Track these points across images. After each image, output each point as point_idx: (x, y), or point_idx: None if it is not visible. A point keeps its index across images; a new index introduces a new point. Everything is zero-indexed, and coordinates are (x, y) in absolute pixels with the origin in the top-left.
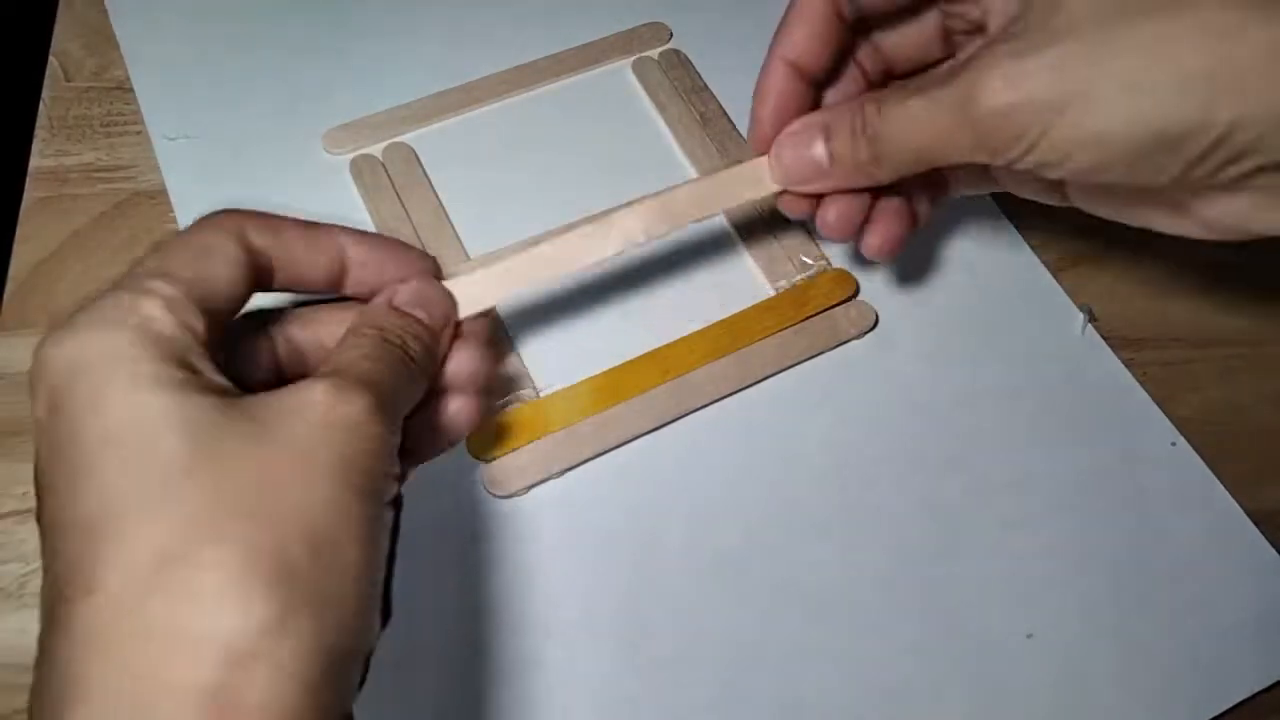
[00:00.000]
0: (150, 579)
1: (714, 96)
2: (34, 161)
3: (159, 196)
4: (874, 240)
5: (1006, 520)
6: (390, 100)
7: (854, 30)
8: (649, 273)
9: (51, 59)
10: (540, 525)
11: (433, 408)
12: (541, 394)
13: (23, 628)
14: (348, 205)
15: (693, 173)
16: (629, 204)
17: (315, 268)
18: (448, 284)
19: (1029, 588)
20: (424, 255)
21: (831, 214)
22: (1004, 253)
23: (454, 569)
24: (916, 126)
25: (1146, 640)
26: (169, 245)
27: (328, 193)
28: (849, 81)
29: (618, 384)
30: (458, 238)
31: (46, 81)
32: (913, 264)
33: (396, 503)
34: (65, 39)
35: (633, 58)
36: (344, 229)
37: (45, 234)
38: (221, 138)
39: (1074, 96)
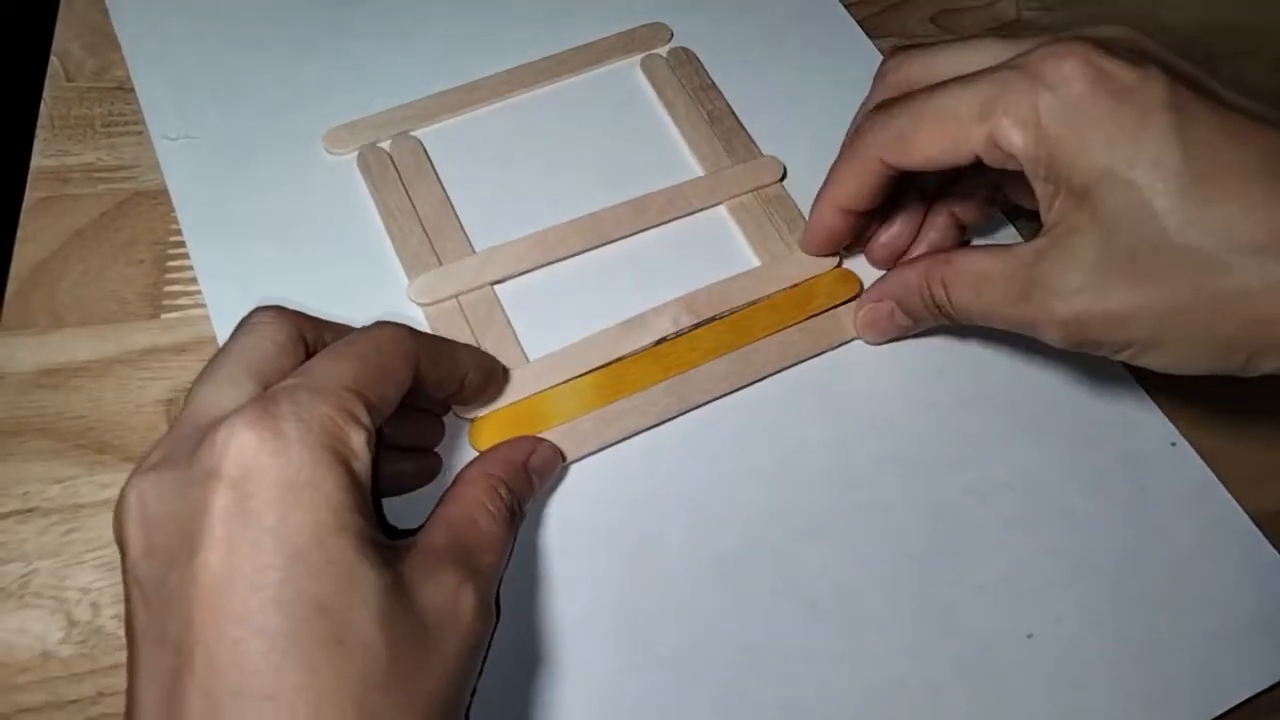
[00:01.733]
0: None
1: (722, 95)
2: (35, 161)
3: (160, 196)
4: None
5: (1006, 520)
6: (391, 100)
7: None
8: (638, 248)
9: (52, 59)
10: (540, 522)
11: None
12: (531, 360)
13: (23, 627)
14: (349, 205)
15: (698, 169)
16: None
17: (446, 389)
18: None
19: (1029, 588)
20: (504, 369)
21: (879, 253)
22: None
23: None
24: (990, 311)
25: (1146, 640)
26: (363, 354)
27: (329, 193)
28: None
29: (619, 380)
30: (463, 231)
31: (47, 81)
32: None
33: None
34: (66, 39)
35: (636, 57)
36: (469, 351)
37: (46, 234)
38: (222, 138)
39: (1140, 340)
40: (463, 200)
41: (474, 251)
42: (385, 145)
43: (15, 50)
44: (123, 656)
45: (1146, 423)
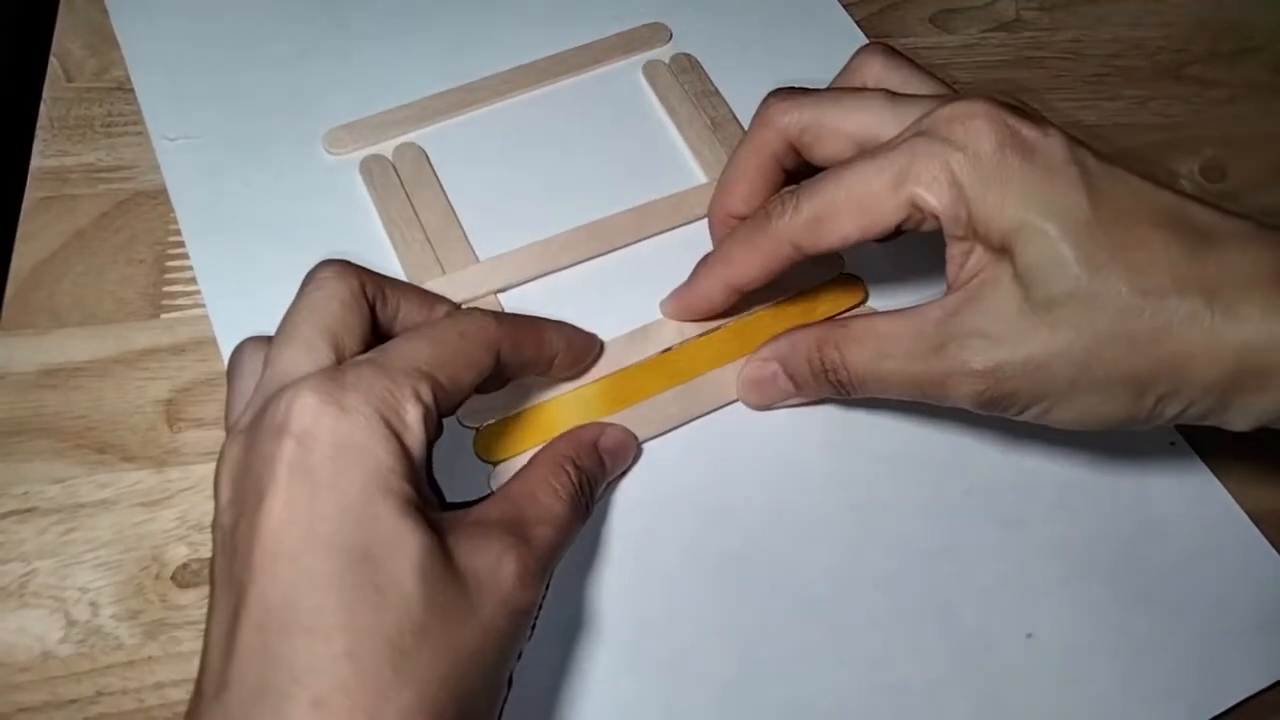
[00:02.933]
0: (370, 714)
1: (725, 101)
2: (35, 162)
3: (159, 197)
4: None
5: (1006, 520)
6: (391, 100)
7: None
8: (642, 257)
9: (52, 59)
10: None
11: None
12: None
13: (22, 627)
14: (348, 205)
15: (701, 176)
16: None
17: (532, 370)
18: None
19: (1029, 588)
20: (599, 342)
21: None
22: None
23: None
24: (893, 374)
25: (1146, 640)
26: (442, 337)
27: (329, 193)
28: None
29: (624, 389)
30: (466, 240)
31: (47, 82)
32: (914, 265)
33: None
34: (66, 39)
35: (636, 57)
36: (560, 328)
37: (46, 234)
38: (222, 138)
39: (1055, 391)
40: (464, 205)
41: (477, 260)
42: (388, 153)
43: (15, 50)
44: (122, 657)
45: None
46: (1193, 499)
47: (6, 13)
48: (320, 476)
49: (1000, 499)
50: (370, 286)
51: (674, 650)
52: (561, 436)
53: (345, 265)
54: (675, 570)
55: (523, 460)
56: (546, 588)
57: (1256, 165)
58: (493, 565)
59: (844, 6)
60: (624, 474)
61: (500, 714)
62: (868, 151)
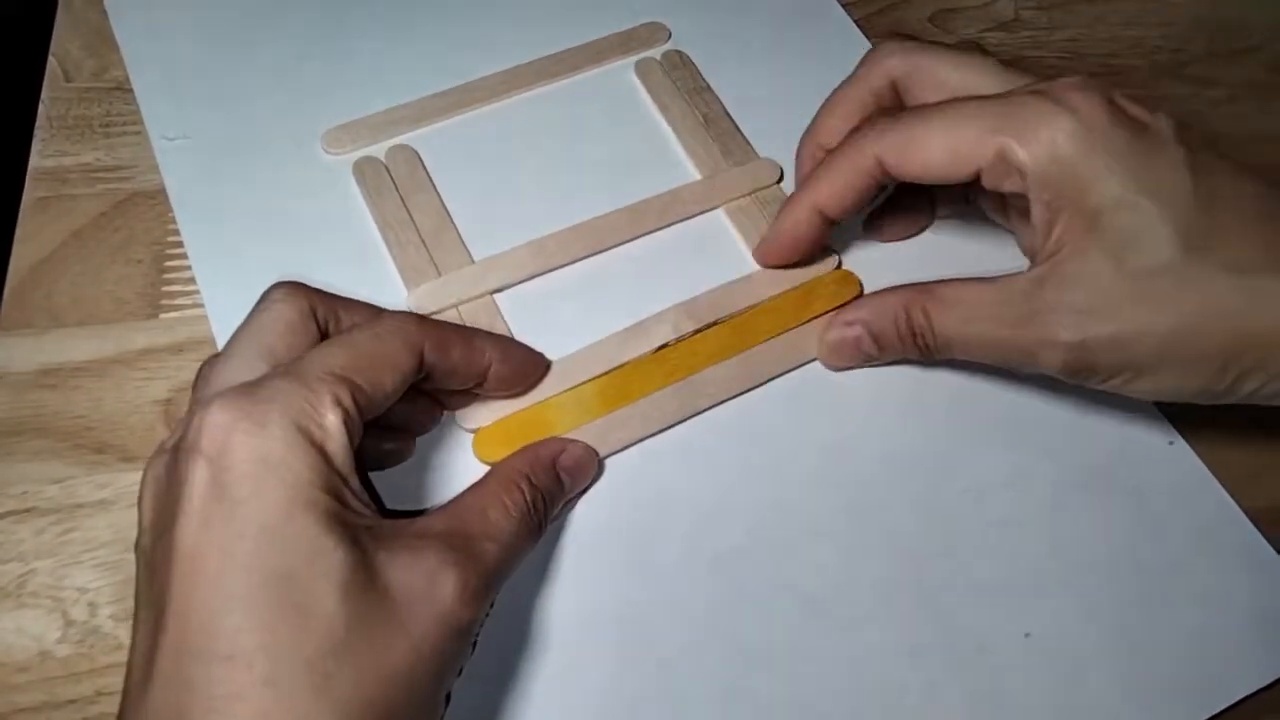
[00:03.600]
0: None
1: (717, 98)
2: (33, 162)
3: (158, 196)
4: (890, 233)
5: (1005, 520)
6: (390, 100)
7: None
8: (638, 253)
9: (51, 59)
10: None
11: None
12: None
13: (20, 627)
14: (347, 206)
15: (694, 173)
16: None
17: (465, 379)
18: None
19: (1028, 588)
20: (544, 360)
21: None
22: (1004, 253)
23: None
24: (980, 339)
25: (1146, 640)
26: (359, 341)
27: (327, 193)
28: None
29: (622, 387)
30: (461, 241)
31: (46, 82)
32: (912, 264)
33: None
34: (65, 39)
35: (633, 58)
36: (493, 339)
37: (45, 234)
38: (221, 138)
39: (1139, 363)
40: (458, 205)
41: (472, 261)
42: (380, 155)
43: (14, 50)
44: (120, 656)
45: (1144, 422)
46: (1192, 499)
47: (6, 13)
48: (236, 495)
49: (999, 499)
50: (322, 309)
51: (673, 650)
52: (520, 452)
53: (295, 287)
54: (674, 570)
55: None
56: (491, 606)
57: (1255, 165)
58: (429, 580)
59: (843, 6)
60: (623, 475)
61: None
62: (974, 96)
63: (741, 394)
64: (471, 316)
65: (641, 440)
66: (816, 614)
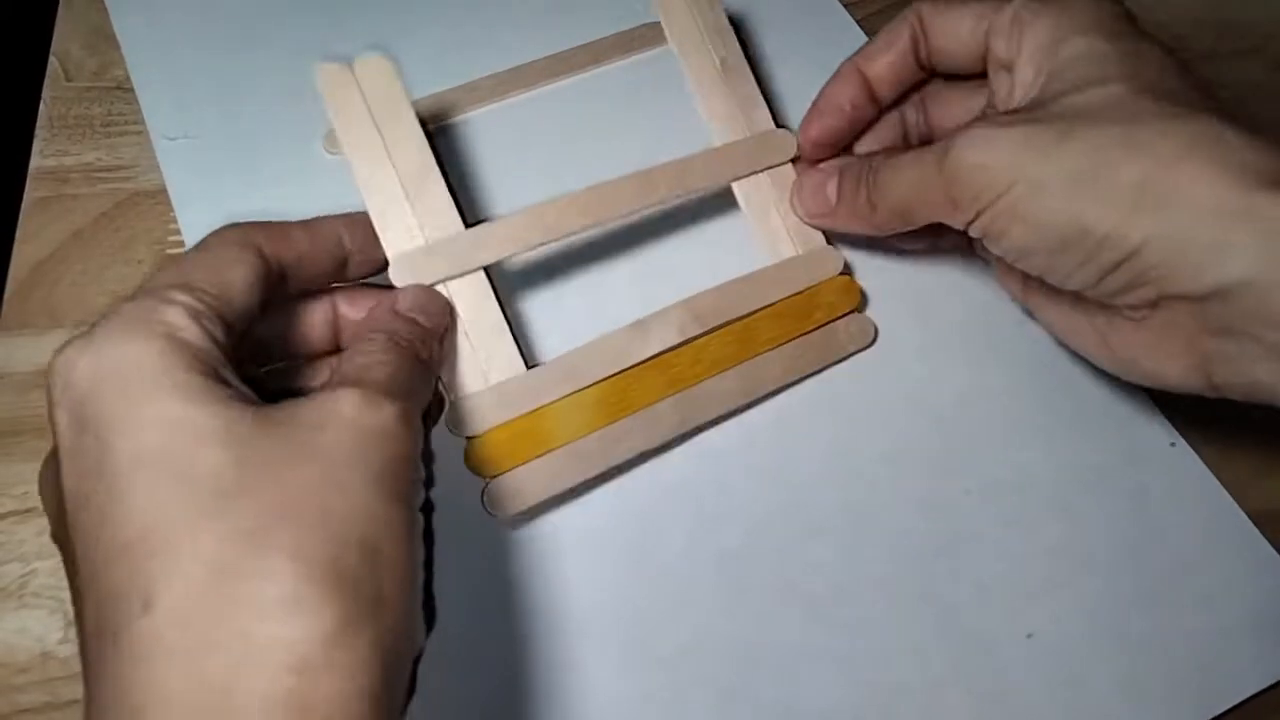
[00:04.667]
0: (210, 591)
1: (735, 41)
2: (34, 161)
3: (159, 196)
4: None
5: (1006, 520)
6: None
7: (911, 86)
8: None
9: (52, 59)
10: (541, 522)
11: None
12: (530, 369)
13: (22, 627)
14: (347, 205)
15: (709, 132)
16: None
17: (322, 264)
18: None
19: (1029, 588)
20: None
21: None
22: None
23: (454, 574)
24: (903, 179)
25: (1146, 640)
26: (185, 259)
27: (327, 193)
28: (885, 133)
29: (623, 395)
30: (450, 197)
31: (47, 81)
32: (913, 264)
33: (428, 507)
34: (65, 39)
35: (635, 56)
36: (337, 218)
37: (46, 234)
38: (222, 138)
39: (1026, 176)
40: (446, 151)
41: (462, 228)
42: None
43: (15, 50)
44: None
45: (1146, 423)
46: (1193, 499)
47: (6, 13)
48: (89, 414)
49: (1000, 499)
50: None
51: (673, 650)
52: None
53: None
54: (675, 570)
55: (521, 472)
56: (427, 440)
57: None
58: (322, 408)
59: (844, 6)
60: (623, 471)
61: (429, 548)
62: None
63: (742, 409)
64: (461, 296)
65: (642, 454)
66: (818, 614)
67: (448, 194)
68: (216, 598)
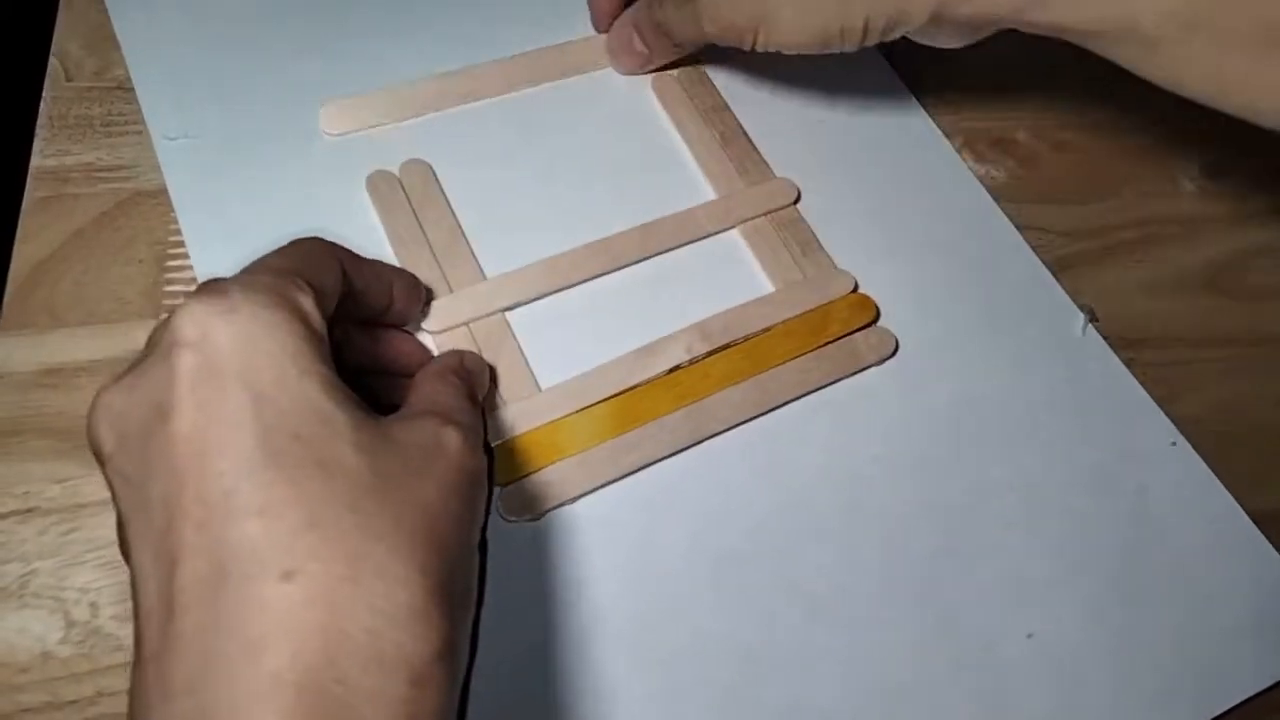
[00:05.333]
0: (349, 582)
1: (734, 116)
2: (35, 161)
3: (160, 196)
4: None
5: (1006, 520)
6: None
7: None
8: (650, 275)
9: (52, 59)
10: (541, 523)
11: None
12: (544, 389)
13: (23, 627)
14: (347, 204)
15: (710, 191)
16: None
17: (378, 299)
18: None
19: (1029, 588)
20: (423, 287)
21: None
22: (1004, 254)
23: None
24: (681, 24)
25: (1146, 640)
26: (293, 251)
27: (330, 192)
28: None
29: (633, 409)
30: (473, 257)
31: (47, 81)
32: (913, 265)
33: (483, 547)
34: (65, 39)
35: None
36: (391, 267)
37: (46, 234)
38: (222, 137)
39: (765, 17)
40: (471, 220)
41: (484, 277)
42: (395, 169)
43: (15, 50)
44: (122, 658)
45: (1146, 423)
46: (1193, 499)
47: (6, 13)
48: (229, 372)
49: (1000, 499)
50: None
51: (674, 650)
52: (426, 367)
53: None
54: (676, 570)
55: (534, 479)
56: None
57: (1257, 165)
58: (434, 438)
59: None
60: (625, 478)
61: (482, 586)
62: None
63: (752, 419)
64: (483, 335)
65: (652, 464)
66: (818, 614)
67: (471, 256)
68: (354, 590)
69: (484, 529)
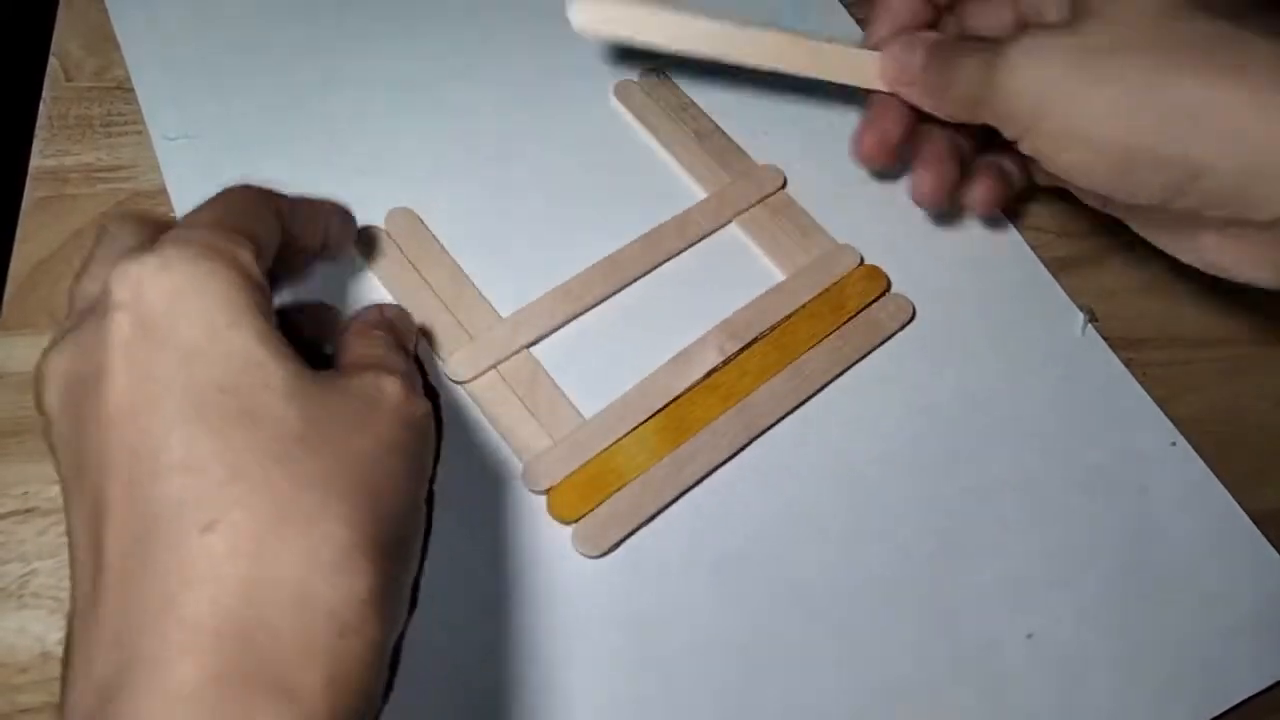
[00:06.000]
0: (273, 531)
1: (702, 111)
2: (34, 161)
3: (159, 196)
4: (977, 194)
5: (1006, 520)
6: (390, 98)
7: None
8: (661, 285)
9: (52, 59)
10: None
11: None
12: (588, 419)
13: (22, 627)
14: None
15: (698, 190)
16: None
17: (313, 239)
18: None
19: (1029, 588)
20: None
21: (926, 181)
22: (1004, 253)
23: (453, 573)
24: (965, 73)
25: (1146, 640)
26: (223, 205)
27: (327, 193)
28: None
29: (681, 421)
30: (483, 299)
31: (47, 81)
32: (912, 265)
33: (430, 499)
34: (65, 39)
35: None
36: (328, 202)
37: (46, 234)
38: (222, 138)
39: (1073, 94)
40: (467, 258)
41: (500, 317)
42: (379, 222)
43: (15, 50)
44: None
45: (1146, 423)
46: (1193, 499)
47: (6, 13)
48: (161, 327)
49: (1000, 499)
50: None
51: (673, 650)
52: (348, 321)
53: (126, 211)
54: (675, 570)
55: (602, 511)
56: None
57: None
58: (370, 385)
59: (844, 6)
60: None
61: (425, 541)
62: None
63: (799, 406)
64: (513, 375)
65: (712, 472)
66: (817, 614)
67: (480, 296)
68: (278, 539)
69: (431, 481)
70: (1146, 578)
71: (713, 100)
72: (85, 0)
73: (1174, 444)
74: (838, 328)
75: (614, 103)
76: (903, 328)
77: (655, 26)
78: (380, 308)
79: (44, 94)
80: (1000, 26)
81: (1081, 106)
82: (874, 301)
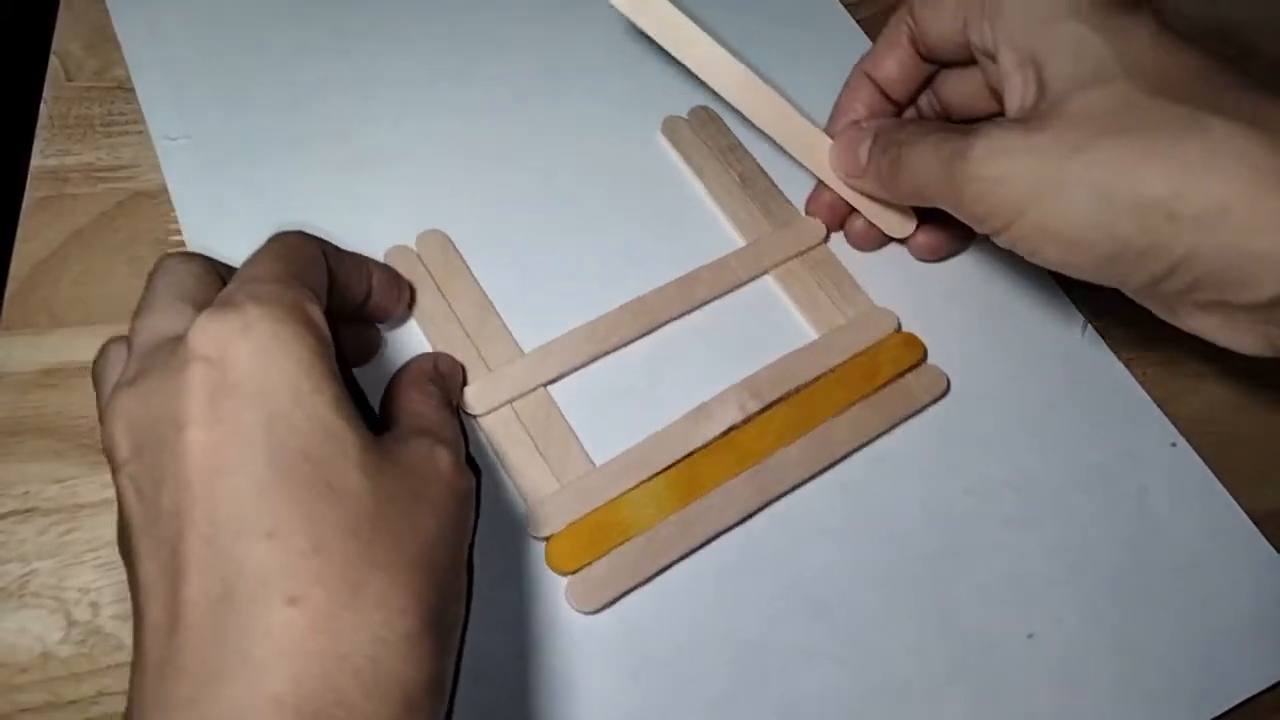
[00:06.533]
0: (349, 607)
1: (749, 154)
2: (35, 161)
3: (160, 196)
4: (920, 240)
5: (1006, 520)
6: (390, 97)
7: (923, 80)
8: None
9: (52, 59)
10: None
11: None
12: (598, 465)
13: (22, 627)
14: (346, 202)
15: (738, 239)
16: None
17: (358, 291)
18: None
19: (1029, 588)
20: (405, 281)
21: (859, 225)
22: (1004, 254)
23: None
24: (920, 166)
25: (1146, 640)
26: (286, 252)
27: (327, 193)
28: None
29: (693, 478)
30: (507, 331)
31: (47, 81)
32: (912, 265)
33: (470, 565)
34: (66, 39)
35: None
36: (370, 260)
37: (46, 234)
38: (222, 138)
39: (1043, 196)
40: (495, 288)
41: (522, 352)
42: (411, 242)
43: (15, 50)
44: (122, 657)
45: (1146, 423)
46: (1193, 499)
47: (6, 13)
48: (244, 388)
49: (1000, 499)
50: (220, 267)
51: (672, 651)
52: (403, 369)
53: (184, 253)
54: (675, 570)
55: (601, 565)
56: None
57: None
58: (427, 457)
59: (845, 6)
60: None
61: (469, 598)
62: None
63: (818, 475)
64: (528, 413)
65: (720, 535)
66: (817, 614)
67: (504, 328)
68: (354, 613)
69: (471, 546)
70: (1146, 577)
71: (762, 144)
72: (85, 0)
73: (1174, 444)
74: (866, 395)
75: (660, 138)
76: (936, 401)
77: (678, 38)
78: (435, 359)
79: (44, 94)
80: (973, 93)
81: (1054, 208)
82: (908, 371)
